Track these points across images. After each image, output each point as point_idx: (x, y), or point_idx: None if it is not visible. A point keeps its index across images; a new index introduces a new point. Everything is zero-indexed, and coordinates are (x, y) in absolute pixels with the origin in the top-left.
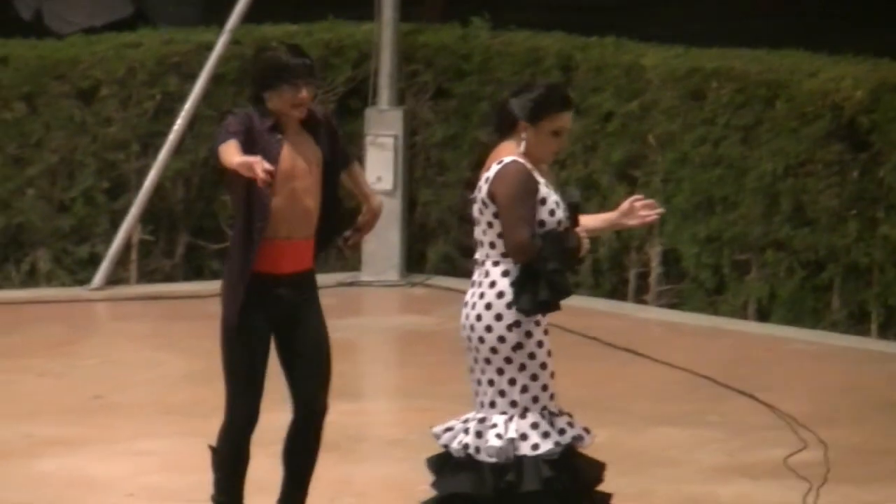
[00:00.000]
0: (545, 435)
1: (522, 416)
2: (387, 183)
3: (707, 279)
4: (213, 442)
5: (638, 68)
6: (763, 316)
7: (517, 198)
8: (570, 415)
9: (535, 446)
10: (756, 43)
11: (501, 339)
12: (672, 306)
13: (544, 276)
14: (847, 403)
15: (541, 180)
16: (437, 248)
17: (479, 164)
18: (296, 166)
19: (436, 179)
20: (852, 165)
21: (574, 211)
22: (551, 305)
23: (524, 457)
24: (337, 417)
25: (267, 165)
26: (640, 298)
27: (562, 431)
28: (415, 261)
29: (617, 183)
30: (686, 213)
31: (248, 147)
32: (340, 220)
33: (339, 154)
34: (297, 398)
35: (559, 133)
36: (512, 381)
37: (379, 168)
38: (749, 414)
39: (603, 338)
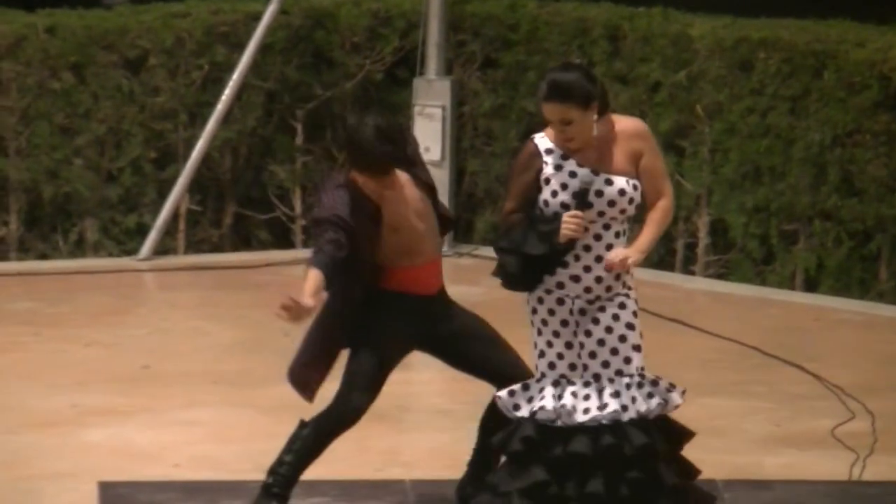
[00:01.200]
0: (530, 400)
1: (538, 380)
2: (435, 153)
3: (754, 249)
4: (267, 415)
5: (685, 38)
6: (810, 286)
7: (513, 172)
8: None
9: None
10: (804, 13)
11: (528, 303)
12: (719, 277)
13: (496, 251)
14: (894, 374)
15: (548, 161)
16: (484, 218)
17: None
18: (406, 209)
19: (483, 149)
20: None
21: (577, 198)
22: (504, 282)
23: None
24: (384, 387)
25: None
26: (687, 269)
27: (564, 405)
28: (462, 231)
29: (664, 153)
30: (734, 183)
31: (354, 212)
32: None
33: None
34: (500, 373)
35: (552, 122)
36: (535, 345)
37: (427, 138)
38: (796, 384)
39: (650, 308)
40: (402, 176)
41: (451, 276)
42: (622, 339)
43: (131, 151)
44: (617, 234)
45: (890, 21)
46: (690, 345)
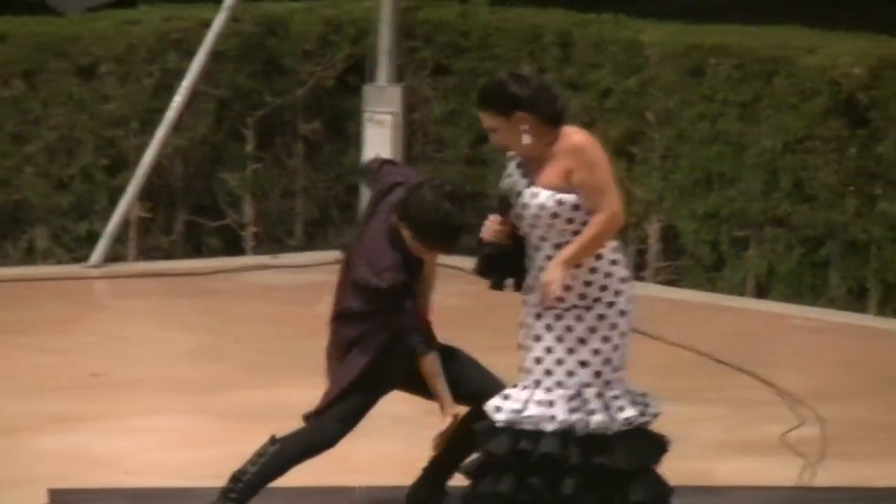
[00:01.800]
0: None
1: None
2: None
3: (706, 256)
4: (220, 421)
5: (636, 44)
6: (762, 292)
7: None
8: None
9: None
10: (755, 19)
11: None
12: (670, 283)
13: None
14: (845, 380)
15: (511, 167)
16: None
17: None
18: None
19: (434, 156)
20: (851, 142)
21: (498, 202)
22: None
23: None
24: None
25: None
26: (638, 275)
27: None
28: None
29: (615, 159)
30: (684, 189)
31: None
32: None
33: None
34: (478, 390)
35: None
36: (529, 350)
37: (377, 145)
38: (747, 390)
39: None
40: None
41: None
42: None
43: (82, 159)
44: (557, 246)
45: (841, 27)
46: (642, 351)
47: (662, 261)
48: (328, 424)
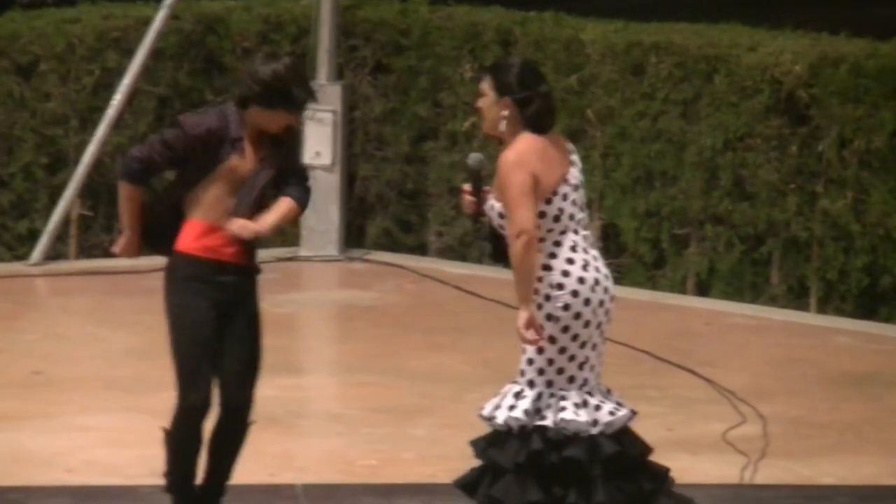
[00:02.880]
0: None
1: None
2: (325, 158)
3: (646, 253)
4: (160, 420)
5: (577, 43)
6: (702, 290)
7: None
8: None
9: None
10: (695, 17)
11: None
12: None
13: None
14: (786, 378)
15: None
16: (376, 224)
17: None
18: (251, 169)
19: (375, 154)
20: (791, 140)
21: (471, 176)
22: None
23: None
24: (277, 392)
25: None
26: None
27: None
28: (354, 236)
29: None
30: (625, 187)
31: (195, 151)
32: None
33: (295, 168)
34: (224, 391)
35: None
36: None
37: (318, 143)
38: (688, 388)
39: None
40: (266, 141)
41: (343, 281)
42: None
43: (22, 157)
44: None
45: (781, 25)
46: None
47: (604, 258)
48: (177, 387)
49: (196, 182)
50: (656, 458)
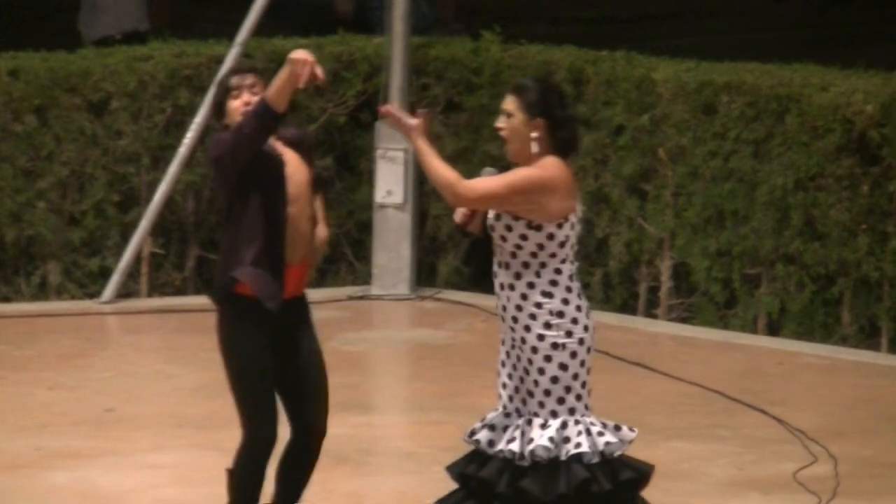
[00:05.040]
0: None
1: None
2: (397, 196)
3: (717, 293)
4: (231, 457)
5: (649, 82)
6: (773, 330)
7: None
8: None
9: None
10: (767, 57)
11: None
12: (682, 320)
13: None
14: (857, 417)
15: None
16: (447, 262)
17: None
18: (292, 186)
19: None
20: (863, 180)
21: None
22: None
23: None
24: (348, 430)
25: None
26: (650, 312)
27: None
28: (425, 274)
29: (627, 197)
30: (697, 227)
31: (260, 167)
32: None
33: (315, 177)
34: (299, 419)
35: None
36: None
37: (389, 181)
38: (760, 428)
39: (613, 352)
40: (293, 153)
41: (414, 320)
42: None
43: (94, 194)
44: (500, 264)
45: (853, 65)
46: (654, 388)
47: (675, 298)
48: (243, 425)
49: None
50: (729, 497)
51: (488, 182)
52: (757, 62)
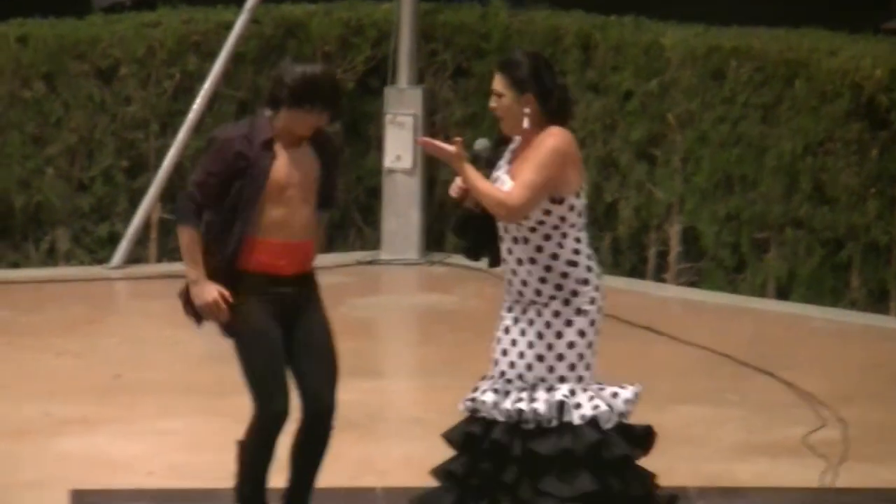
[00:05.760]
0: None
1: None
2: (406, 162)
3: (726, 258)
4: (239, 423)
5: (657, 47)
6: (782, 294)
7: None
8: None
9: None
10: (775, 22)
11: None
12: (691, 285)
13: None
14: (866, 381)
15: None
16: None
17: None
18: (291, 175)
19: None
20: (872, 144)
21: (472, 162)
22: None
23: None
24: (357, 396)
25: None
26: (659, 277)
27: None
28: (434, 239)
29: (636, 162)
30: (706, 191)
31: (235, 172)
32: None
33: (331, 187)
34: (306, 396)
35: None
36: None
37: (398, 147)
38: (768, 392)
39: (623, 316)
40: (305, 147)
41: (423, 285)
42: (570, 345)
43: (103, 161)
44: (514, 240)
45: (862, 30)
46: (663, 353)
47: (683, 263)
48: (254, 400)
49: (249, 198)
50: (738, 461)
51: (524, 181)
52: (765, 27)
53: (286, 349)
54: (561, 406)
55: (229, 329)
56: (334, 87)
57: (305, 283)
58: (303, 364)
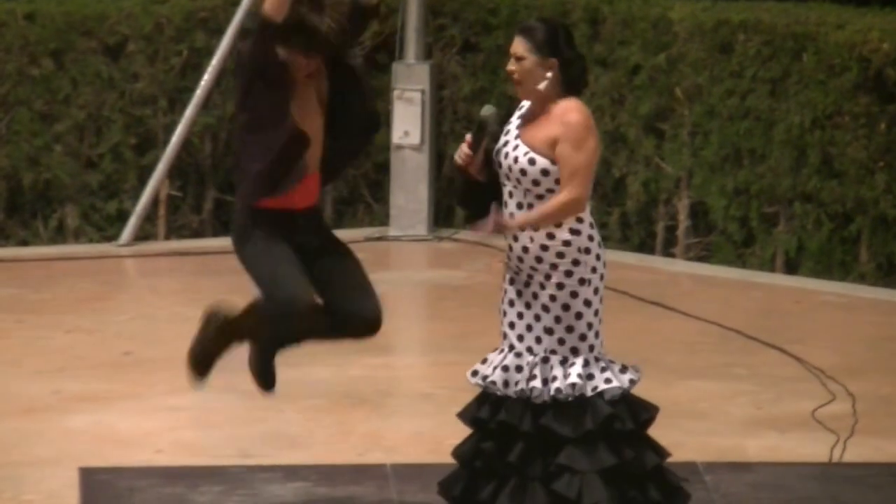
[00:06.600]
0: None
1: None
2: (414, 137)
3: (735, 232)
4: (250, 400)
5: (665, 21)
6: (791, 268)
7: None
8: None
9: None
10: None
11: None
12: (700, 259)
13: None
14: (875, 355)
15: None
16: None
17: None
18: (305, 108)
19: (463, 133)
20: (880, 117)
21: (476, 126)
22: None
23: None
24: (366, 371)
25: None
26: (668, 252)
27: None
28: (443, 215)
29: (644, 136)
30: (714, 165)
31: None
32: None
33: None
34: (352, 309)
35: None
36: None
37: (406, 122)
38: (777, 366)
39: (632, 291)
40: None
41: (432, 260)
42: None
43: (111, 138)
44: (520, 206)
45: (870, 3)
46: (672, 327)
47: (692, 237)
48: (269, 294)
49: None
50: (747, 435)
51: (574, 165)
52: (773, 0)
53: (314, 281)
54: (573, 385)
55: (237, 249)
56: (314, 31)
57: (315, 215)
58: (336, 288)
